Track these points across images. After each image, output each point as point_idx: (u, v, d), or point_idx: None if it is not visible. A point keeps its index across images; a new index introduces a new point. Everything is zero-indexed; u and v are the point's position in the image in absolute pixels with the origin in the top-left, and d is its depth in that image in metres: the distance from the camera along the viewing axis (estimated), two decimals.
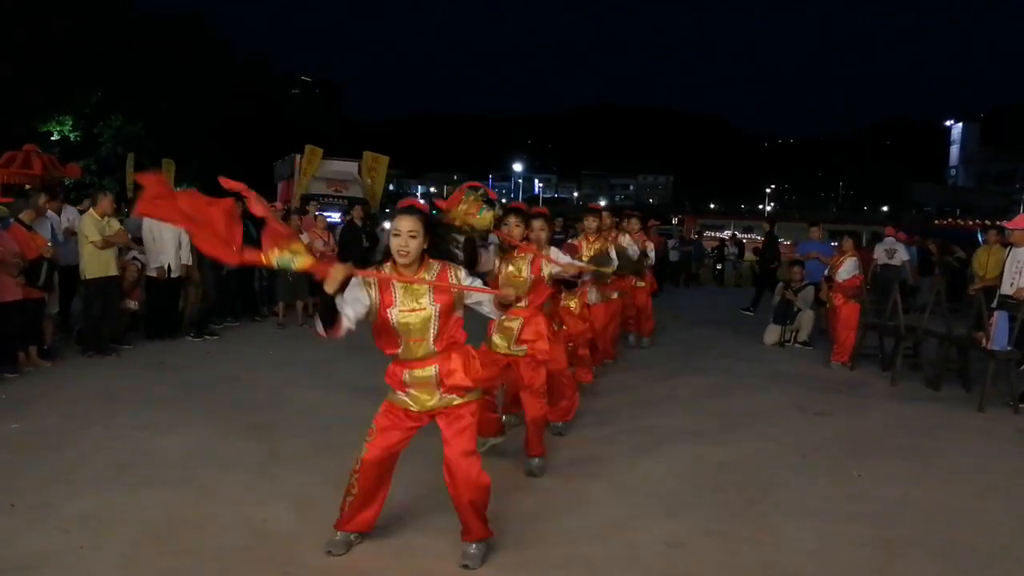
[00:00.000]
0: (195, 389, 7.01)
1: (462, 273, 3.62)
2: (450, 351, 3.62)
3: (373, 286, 3.54)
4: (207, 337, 9.60)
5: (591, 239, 7.95)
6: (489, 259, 5.17)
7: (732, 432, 6.32)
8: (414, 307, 3.52)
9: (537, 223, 5.94)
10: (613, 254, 7.85)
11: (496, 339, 5.12)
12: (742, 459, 5.60)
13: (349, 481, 3.73)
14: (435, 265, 3.59)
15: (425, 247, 3.53)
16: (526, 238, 5.23)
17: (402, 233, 3.45)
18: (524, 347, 5.06)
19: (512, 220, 5.09)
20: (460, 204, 4.65)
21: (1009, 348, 7.40)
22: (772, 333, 11.02)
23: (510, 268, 5.14)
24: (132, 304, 8.96)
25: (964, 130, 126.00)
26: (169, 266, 9.14)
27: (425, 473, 4.44)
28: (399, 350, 3.60)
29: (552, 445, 5.59)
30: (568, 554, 3.92)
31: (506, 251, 5.16)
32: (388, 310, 3.52)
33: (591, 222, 8.00)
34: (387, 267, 3.58)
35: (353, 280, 3.46)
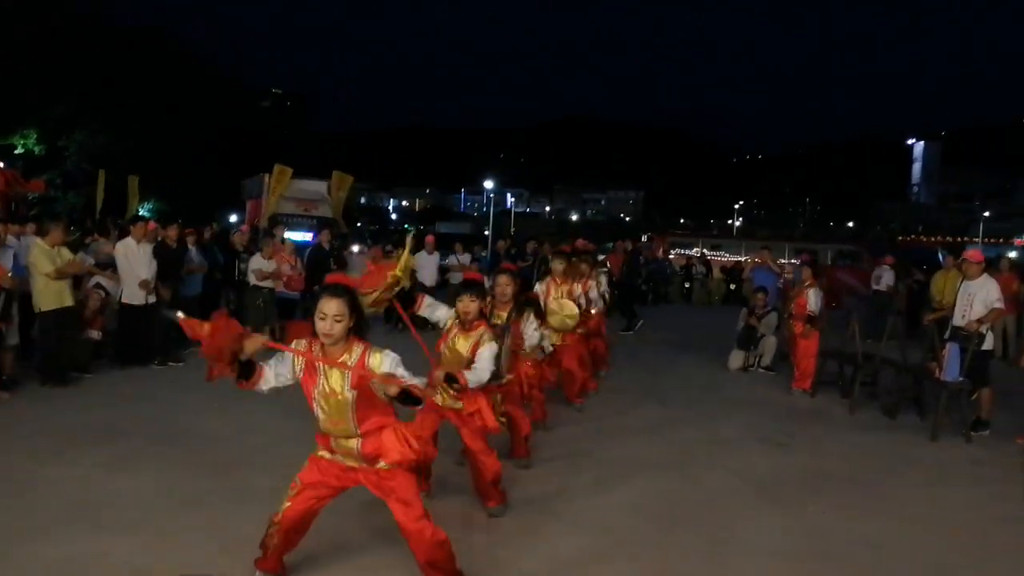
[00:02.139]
0: (158, 422, 6.97)
1: (385, 359, 3.49)
2: (377, 432, 3.58)
3: (299, 362, 3.59)
4: (171, 364, 9.55)
5: (559, 281, 7.99)
6: (442, 312, 5.11)
7: (693, 465, 6.42)
8: (333, 390, 3.52)
9: (503, 278, 5.98)
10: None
11: (436, 394, 4.91)
12: (702, 495, 5.69)
13: (268, 530, 3.74)
14: (357, 348, 3.52)
15: (351, 326, 3.51)
16: (486, 310, 5.21)
17: (327, 317, 3.44)
18: (461, 403, 4.93)
19: (465, 297, 4.96)
20: (381, 281, 4.61)
21: (961, 379, 7.59)
22: (736, 358, 11.18)
23: (456, 342, 4.98)
24: (95, 334, 8.88)
25: (926, 148, 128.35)
26: (147, 293, 9.14)
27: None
28: (320, 425, 3.67)
29: (512, 478, 5.64)
30: None
31: (463, 323, 5.00)
32: (311, 388, 3.58)
33: (558, 265, 8.03)
34: (315, 345, 3.56)
35: (282, 354, 3.57)
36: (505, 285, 5.93)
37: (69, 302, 8.25)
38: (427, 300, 5.11)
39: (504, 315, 5.80)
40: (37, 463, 5.69)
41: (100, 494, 5.13)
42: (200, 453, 6.08)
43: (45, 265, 7.97)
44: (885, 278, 16.06)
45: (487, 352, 4.83)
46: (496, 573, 4.22)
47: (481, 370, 4.77)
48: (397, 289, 4.71)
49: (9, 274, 7.79)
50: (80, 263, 8.84)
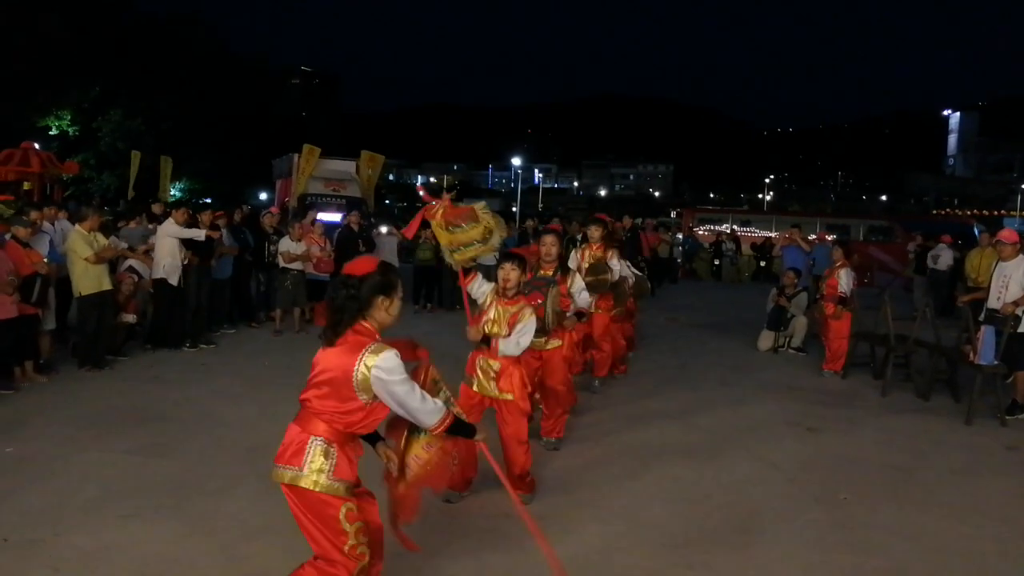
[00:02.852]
0: (191, 407, 7.06)
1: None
2: None
3: None
4: (203, 347, 9.66)
5: (594, 248, 7.98)
6: (486, 287, 5.09)
7: (722, 450, 6.38)
8: None
9: (548, 238, 6.12)
10: (615, 264, 7.87)
11: (480, 378, 4.95)
12: (731, 483, 5.65)
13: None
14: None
15: None
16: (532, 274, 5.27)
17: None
18: (510, 394, 4.88)
19: (507, 265, 4.96)
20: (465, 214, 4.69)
21: (996, 362, 7.46)
22: (766, 339, 11.08)
23: (495, 316, 4.97)
24: (130, 317, 9.00)
25: (962, 119, 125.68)
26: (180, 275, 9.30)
27: None
28: None
29: (541, 464, 5.65)
30: None
31: (503, 293, 4.99)
32: None
33: (595, 232, 8.02)
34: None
35: None
36: (551, 245, 6.15)
37: (108, 286, 8.38)
38: (479, 278, 5.10)
39: (550, 274, 6.01)
40: (72, 448, 5.79)
41: (133, 480, 5.21)
42: (232, 439, 6.16)
43: (84, 250, 8.08)
44: (944, 257, 15.75)
45: (525, 326, 4.83)
46: (522, 561, 4.23)
47: (516, 342, 4.80)
48: (489, 242, 4.76)
49: (45, 260, 7.92)
50: (116, 247, 8.94)
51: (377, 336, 3.02)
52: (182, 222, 9.38)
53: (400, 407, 3.01)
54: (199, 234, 9.43)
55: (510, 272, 4.95)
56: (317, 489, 2.94)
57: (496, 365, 4.87)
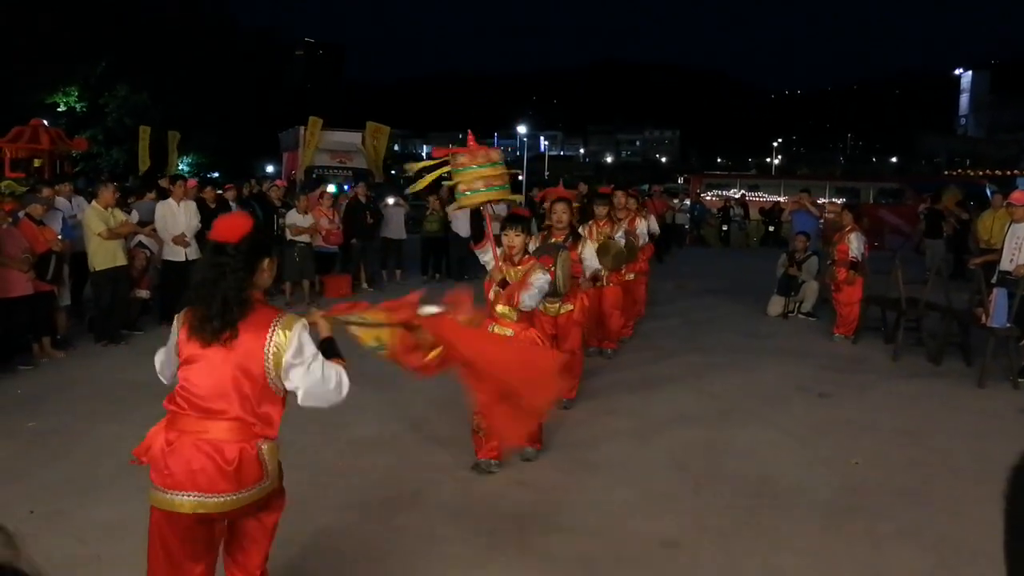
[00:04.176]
0: None
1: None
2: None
3: None
4: None
5: (601, 224, 7.98)
6: (492, 255, 5.12)
7: (732, 417, 6.43)
8: None
9: (559, 206, 6.20)
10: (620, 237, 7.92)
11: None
12: (742, 448, 5.70)
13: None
14: None
15: None
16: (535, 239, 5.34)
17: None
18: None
19: (511, 231, 4.98)
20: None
21: (1008, 325, 7.45)
22: (776, 304, 11.08)
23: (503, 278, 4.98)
24: (143, 293, 9.07)
25: (974, 79, 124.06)
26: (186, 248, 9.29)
27: None
28: None
29: (554, 429, 5.71)
30: (563, 553, 4.04)
31: (510, 259, 5.03)
32: None
33: (601, 209, 8.04)
34: None
35: None
36: (562, 212, 6.23)
37: (122, 261, 8.42)
38: (489, 246, 5.13)
39: (560, 241, 6.10)
40: (91, 422, 5.89)
41: None
42: None
43: (97, 225, 8.12)
44: None
45: (538, 280, 4.81)
46: (534, 527, 4.30)
47: (532, 295, 4.79)
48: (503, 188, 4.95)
49: (59, 237, 7.97)
50: (131, 224, 8.98)
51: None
52: (181, 198, 9.24)
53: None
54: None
55: (514, 238, 4.97)
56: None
57: (509, 332, 4.88)
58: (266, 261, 2.72)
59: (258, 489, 2.71)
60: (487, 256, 5.15)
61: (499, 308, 4.90)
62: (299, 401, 2.73)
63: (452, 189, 5.13)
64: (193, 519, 2.67)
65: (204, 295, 2.62)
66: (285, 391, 2.73)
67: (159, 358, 2.93)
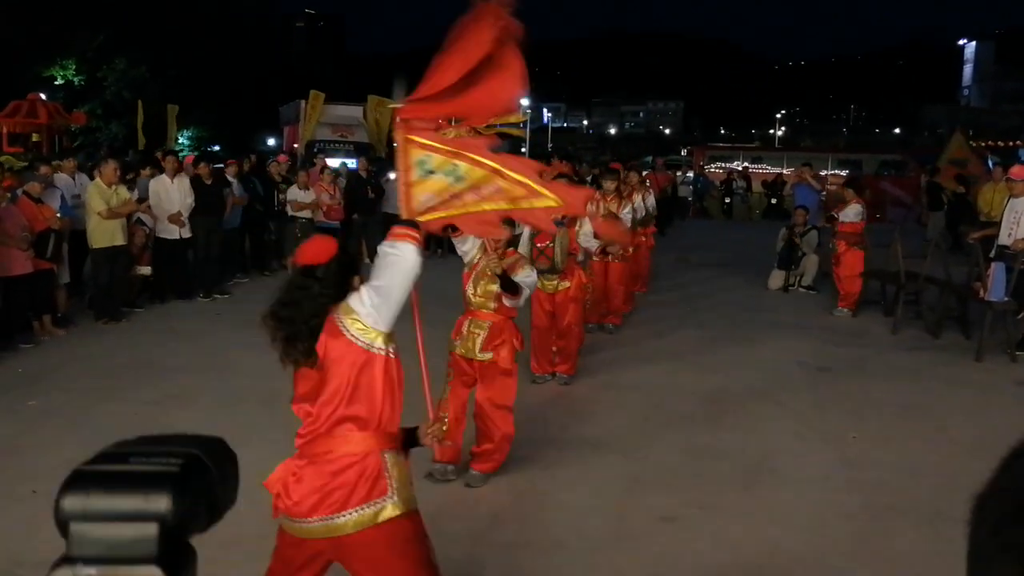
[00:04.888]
0: (206, 357, 7.17)
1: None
2: None
3: None
4: (216, 297, 9.74)
5: (608, 199, 8.12)
6: (469, 244, 4.83)
7: (732, 391, 6.45)
8: None
9: (560, 183, 6.11)
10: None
11: (458, 344, 4.73)
12: (741, 423, 5.73)
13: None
14: None
15: None
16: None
17: None
18: (490, 353, 4.64)
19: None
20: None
21: (1006, 299, 7.45)
22: (776, 278, 11.07)
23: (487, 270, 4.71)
24: (145, 270, 9.08)
25: (978, 49, 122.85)
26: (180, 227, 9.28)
27: None
28: None
29: (554, 405, 5.74)
30: (564, 530, 4.08)
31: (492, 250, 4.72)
32: None
33: (609, 184, 8.18)
34: None
35: None
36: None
37: (120, 241, 8.36)
38: (470, 239, 4.84)
39: (559, 218, 5.93)
40: (92, 400, 5.92)
41: (154, 430, 5.14)
42: (249, 387, 6.23)
43: (98, 204, 8.10)
44: None
45: (527, 279, 4.68)
46: (535, 505, 4.34)
47: (525, 295, 4.69)
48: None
49: (58, 215, 7.96)
50: (133, 203, 8.92)
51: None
52: (173, 173, 9.24)
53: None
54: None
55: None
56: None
57: (486, 324, 4.67)
58: (356, 280, 2.66)
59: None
60: (466, 246, 4.85)
61: (475, 300, 4.74)
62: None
63: None
64: None
65: (288, 316, 2.57)
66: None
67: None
